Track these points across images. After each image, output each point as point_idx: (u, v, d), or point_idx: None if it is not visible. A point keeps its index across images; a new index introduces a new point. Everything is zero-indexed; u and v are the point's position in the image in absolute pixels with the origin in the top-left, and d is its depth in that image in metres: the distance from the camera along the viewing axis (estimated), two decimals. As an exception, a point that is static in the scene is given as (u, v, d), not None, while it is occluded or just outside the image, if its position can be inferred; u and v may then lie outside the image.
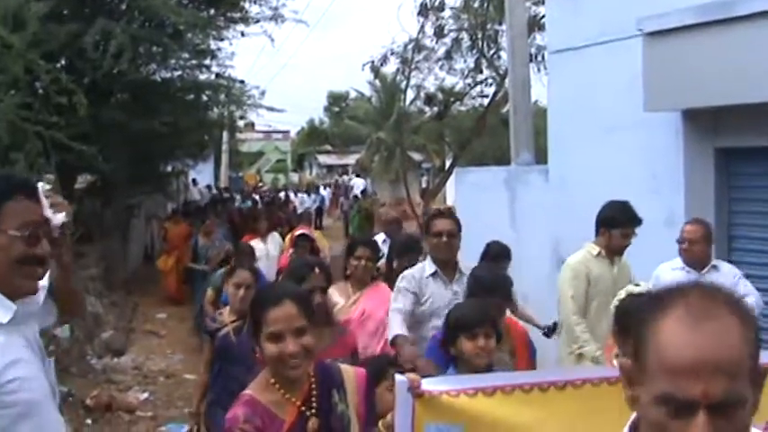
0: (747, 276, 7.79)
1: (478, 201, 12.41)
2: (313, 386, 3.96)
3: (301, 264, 6.55)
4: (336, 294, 7.74)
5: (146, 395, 12.00)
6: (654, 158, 9.62)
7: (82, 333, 13.29)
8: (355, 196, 41.73)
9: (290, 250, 11.82)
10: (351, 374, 4.14)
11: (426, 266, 7.45)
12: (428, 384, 4.22)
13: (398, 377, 4.19)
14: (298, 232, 12.27)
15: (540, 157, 12.96)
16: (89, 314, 14.31)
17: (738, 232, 9.08)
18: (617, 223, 7.77)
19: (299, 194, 44.19)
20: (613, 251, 7.87)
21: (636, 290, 5.39)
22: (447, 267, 7.39)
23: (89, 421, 10.56)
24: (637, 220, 7.80)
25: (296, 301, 3.90)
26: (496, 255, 9.11)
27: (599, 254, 7.89)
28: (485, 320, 5.22)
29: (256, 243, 13.09)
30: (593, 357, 7.38)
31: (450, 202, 34.80)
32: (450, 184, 31.66)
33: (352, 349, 6.29)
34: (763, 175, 8.82)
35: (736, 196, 9.13)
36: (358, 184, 48.24)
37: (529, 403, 4.23)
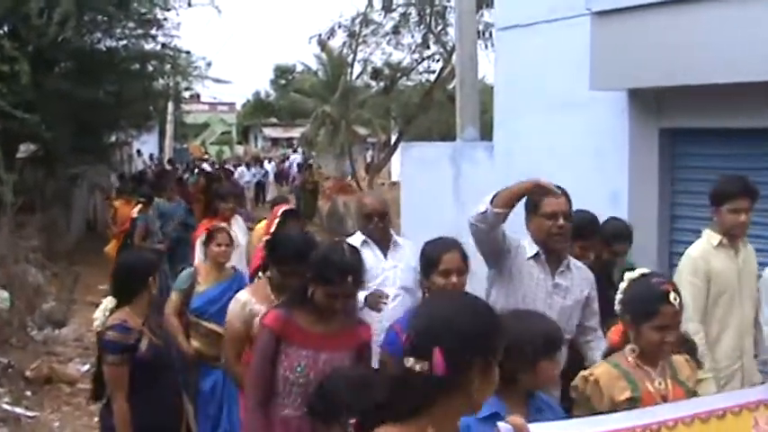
0: (689, 256, 7.75)
1: (423, 176, 12.40)
2: None
3: (331, 264, 5.16)
4: (254, 301, 6.25)
5: (87, 367, 11.87)
6: (599, 137, 9.65)
7: (22, 304, 13.14)
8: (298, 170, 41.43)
9: (265, 238, 7.90)
10: None
11: (527, 246, 5.95)
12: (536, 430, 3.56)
13: (502, 425, 3.53)
14: (282, 208, 8.83)
15: (486, 134, 12.96)
16: (30, 285, 14.16)
17: (681, 212, 9.13)
18: (724, 197, 6.61)
19: (239, 168, 43.34)
20: (731, 234, 6.63)
21: (635, 275, 4.76)
22: (552, 254, 5.93)
23: (29, 393, 10.47)
24: (749, 192, 6.58)
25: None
26: (612, 235, 7.34)
27: (720, 243, 6.65)
28: (563, 339, 4.53)
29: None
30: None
31: (395, 178, 34.91)
32: (396, 159, 31.71)
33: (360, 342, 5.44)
34: (706, 156, 8.88)
35: (680, 176, 9.19)
36: (296, 160, 47.20)
37: None
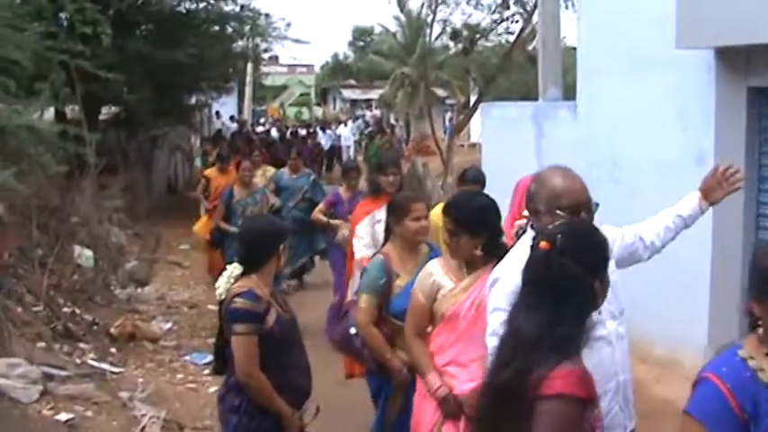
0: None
1: (505, 136, 12.31)
2: None
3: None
4: (441, 273, 5.28)
5: (169, 325, 12.03)
6: (685, 96, 9.49)
7: (106, 263, 13.33)
8: (371, 132, 40.55)
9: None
10: None
11: None
12: None
13: None
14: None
15: (567, 95, 12.82)
16: (113, 244, 14.35)
17: (768, 173, 8.98)
18: None
19: (318, 131, 41.99)
20: None
21: None
22: None
23: (113, 350, 10.59)
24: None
25: None
26: None
27: None
28: None
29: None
30: None
31: (474, 139, 34.79)
32: (475, 121, 31.60)
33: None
34: (795, 116, 8.71)
35: (768, 137, 9.02)
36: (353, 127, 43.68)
37: None
